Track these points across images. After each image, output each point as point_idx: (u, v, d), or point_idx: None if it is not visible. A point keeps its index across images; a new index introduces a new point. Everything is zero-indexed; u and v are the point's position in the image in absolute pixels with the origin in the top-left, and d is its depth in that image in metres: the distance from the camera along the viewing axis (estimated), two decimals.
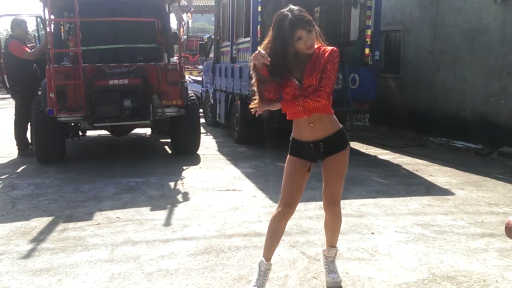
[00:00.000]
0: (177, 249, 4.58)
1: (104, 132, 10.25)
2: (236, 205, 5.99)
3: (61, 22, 8.90)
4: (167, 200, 6.24)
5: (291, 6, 3.36)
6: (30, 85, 8.78)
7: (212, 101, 12.92)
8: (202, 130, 10.24)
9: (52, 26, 8.11)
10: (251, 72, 3.45)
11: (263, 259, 3.61)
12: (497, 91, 9.49)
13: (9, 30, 9.50)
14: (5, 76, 9.10)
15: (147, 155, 9.20)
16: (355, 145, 10.02)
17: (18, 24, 9.03)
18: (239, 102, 10.05)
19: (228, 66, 10.70)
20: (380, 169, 8.08)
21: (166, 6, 9.12)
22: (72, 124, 8.48)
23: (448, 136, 10.47)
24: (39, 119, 8.00)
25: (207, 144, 10.32)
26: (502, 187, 6.90)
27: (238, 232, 5.06)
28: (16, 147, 9.21)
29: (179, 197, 6.38)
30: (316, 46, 3.40)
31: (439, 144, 10.37)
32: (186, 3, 16.97)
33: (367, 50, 9.31)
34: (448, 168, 8.10)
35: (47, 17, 7.86)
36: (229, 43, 10.89)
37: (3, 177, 7.50)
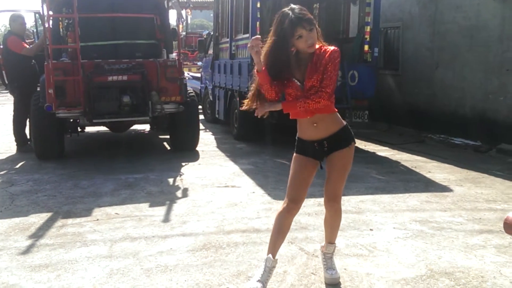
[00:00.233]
0: (176, 245, 4.59)
1: (103, 128, 10.24)
2: (235, 202, 5.99)
3: (60, 18, 8.89)
4: (166, 196, 6.25)
5: (292, 5, 3.37)
6: (28, 81, 8.77)
7: (211, 97, 12.91)
8: (201, 126, 10.25)
9: (51, 22, 8.09)
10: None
11: (270, 256, 3.62)
12: (496, 88, 9.49)
13: (7, 25, 9.47)
14: (3, 72, 9.08)
15: (146, 152, 9.20)
16: None
17: (16, 20, 9.01)
18: (238, 99, 10.05)
19: (227, 62, 10.69)
20: (378, 165, 8.09)
21: (165, 2, 9.10)
22: (71, 120, 8.48)
23: (447, 133, 10.48)
24: (37, 115, 7.99)
25: (206, 140, 10.32)
26: (500, 184, 6.91)
27: (237, 228, 5.06)
28: (15, 143, 9.21)
29: (178, 193, 6.39)
30: (317, 46, 3.41)
31: (437, 140, 10.38)
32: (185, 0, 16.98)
33: (366, 47, 9.30)
34: (446, 165, 8.12)
35: (45, 12, 7.85)
36: (228, 39, 10.87)
37: (2, 173, 7.51)
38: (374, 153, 9.29)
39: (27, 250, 4.48)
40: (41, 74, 8.20)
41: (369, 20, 9.27)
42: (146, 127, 11.23)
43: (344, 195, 5.55)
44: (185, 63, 17.05)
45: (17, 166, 7.98)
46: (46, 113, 7.70)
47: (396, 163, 8.35)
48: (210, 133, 11.56)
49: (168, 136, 9.58)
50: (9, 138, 9.83)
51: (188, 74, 15.94)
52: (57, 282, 3.84)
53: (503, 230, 2.75)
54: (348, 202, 5.83)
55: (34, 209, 5.70)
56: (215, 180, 7.04)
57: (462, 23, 10.20)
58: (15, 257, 4.32)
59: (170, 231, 4.99)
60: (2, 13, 9.76)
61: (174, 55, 9.20)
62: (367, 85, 9.17)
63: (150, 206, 5.84)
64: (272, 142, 9.61)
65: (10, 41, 8.81)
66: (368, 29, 9.25)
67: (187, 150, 8.97)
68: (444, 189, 6.67)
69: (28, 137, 9.04)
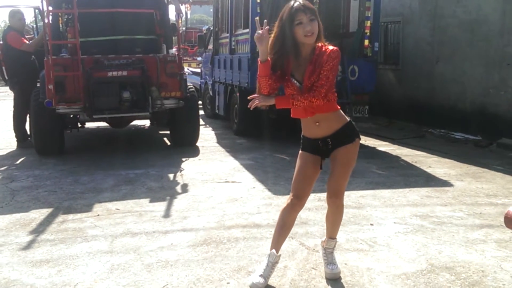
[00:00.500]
0: (176, 241, 4.59)
1: (103, 124, 10.23)
2: (235, 197, 6.00)
3: (59, 14, 8.86)
4: (166, 191, 6.25)
5: None
6: (28, 77, 8.76)
7: (211, 93, 12.90)
8: (201, 122, 10.25)
9: (50, 17, 8.07)
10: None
11: (274, 251, 3.64)
12: (497, 83, 9.48)
13: (7, 21, 9.46)
14: (3, 67, 9.08)
15: (146, 147, 9.20)
16: None
17: (15, 16, 8.99)
18: (238, 94, 10.04)
19: (227, 57, 10.68)
20: (379, 160, 8.09)
21: None
22: (71, 115, 8.47)
23: (447, 128, 10.48)
24: (37, 111, 7.99)
25: (206, 136, 10.32)
26: (500, 178, 6.91)
27: (237, 223, 5.07)
28: (15, 139, 9.21)
29: (179, 189, 6.39)
30: (319, 44, 3.41)
31: (438, 135, 10.38)
32: None
33: (366, 42, 9.29)
34: (447, 160, 8.11)
35: (45, 8, 7.82)
36: (228, 34, 10.85)
37: (2, 169, 7.50)
38: (374, 148, 9.29)
39: (28, 246, 4.48)
40: (41, 69, 8.19)
41: (369, 15, 9.25)
42: (146, 123, 11.23)
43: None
44: (185, 58, 17.03)
45: (18, 162, 7.98)
46: (46, 109, 7.70)
47: (397, 158, 8.35)
48: (210, 128, 11.56)
49: (168, 132, 9.58)
50: (9, 134, 9.83)
51: (188, 69, 15.92)
52: (58, 277, 3.85)
53: (503, 225, 2.76)
54: (349, 197, 5.83)
55: (34, 204, 5.70)
56: (215, 176, 7.04)
57: (462, 17, 10.18)
58: (16, 253, 4.33)
59: (170, 226, 4.99)
60: (1, 9, 9.73)
61: (174, 50, 9.19)
62: (367, 80, 9.16)
63: (151, 201, 5.84)
64: (272, 137, 9.62)
65: (9, 36, 8.80)
66: (368, 23, 9.24)
67: (187, 146, 8.97)
68: (444, 183, 6.67)
69: (28, 133, 9.04)
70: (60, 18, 9.00)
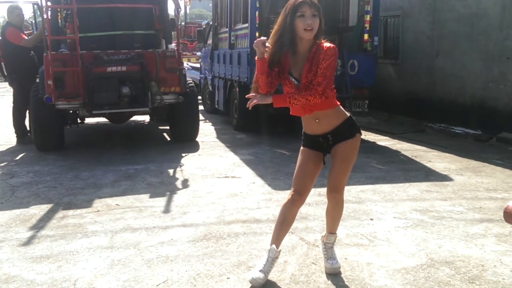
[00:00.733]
0: (176, 236, 4.59)
1: (102, 120, 10.23)
2: (235, 192, 6.00)
3: (58, 9, 8.85)
4: (166, 187, 6.25)
5: None
6: (27, 73, 8.75)
7: (210, 88, 12.89)
8: (201, 117, 10.23)
9: (49, 12, 8.06)
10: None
11: (274, 246, 3.64)
12: (496, 76, 9.47)
13: (6, 17, 9.44)
14: (2, 63, 9.07)
15: (145, 142, 9.20)
16: None
17: (13, 11, 8.97)
18: (237, 89, 10.03)
19: (227, 52, 10.66)
20: (379, 155, 8.09)
21: None
22: (71, 111, 8.46)
23: (447, 122, 10.47)
24: (37, 106, 7.98)
25: (206, 131, 10.31)
26: (500, 173, 6.92)
27: (237, 218, 5.07)
28: (15, 135, 9.21)
29: (178, 184, 6.39)
30: (317, 42, 3.42)
31: (438, 130, 10.37)
32: None
33: (366, 36, 9.27)
34: (446, 154, 8.11)
35: (44, 3, 7.81)
36: (227, 29, 10.83)
37: (2, 164, 7.50)
38: (374, 142, 9.29)
39: (28, 242, 4.49)
40: (40, 65, 8.18)
41: (369, 9, 9.23)
42: (146, 118, 11.21)
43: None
44: (184, 53, 17.02)
45: (17, 158, 7.98)
46: (46, 105, 7.69)
47: (396, 153, 8.35)
48: (210, 123, 11.55)
49: (168, 127, 9.57)
50: (9, 130, 9.83)
51: (187, 64, 15.90)
52: (58, 273, 3.85)
53: (503, 219, 2.75)
54: (349, 192, 5.83)
55: (34, 200, 5.70)
56: (215, 171, 7.04)
57: (462, 11, 10.16)
58: (16, 249, 4.33)
59: (170, 221, 5.00)
60: (0, 4, 9.74)
61: (173, 45, 9.17)
62: (367, 74, 9.15)
63: (151, 197, 5.84)
64: (272, 132, 9.62)
65: (8, 32, 8.78)
66: (368, 17, 9.22)
67: (187, 141, 8.97)
68: (444, 178, 6.67)
69: (28, 128, 9.04)
70: (59, 14, 8.97)
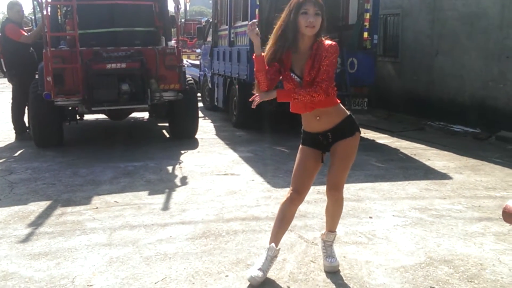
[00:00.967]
0: (175, 233, 4.59)
1: (101, 116, 10.22)
2: (234, 189, 5.99)
3: (58, 5, 8.84)
4: (165, 184, 6.25)
5: None
6: (27, 69, 8.73)
7: (210, 85, 12.88)
8: (200, 114, 10.23)
9: (49, 9, 8.04)
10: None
11: (273, 245, 3.65)
12: (496, 75, 9.47)
13: (5, 13, 9.43)
14: (1, 60, 9.06)
15: (145, 139, 9.19)
16: None
17: (13, 8, 8.96)
18: (237, 86, 10.03)
19: (226, 50, 10.65)
20: (378, 153, 8.08)
21: None
22: (70, 108, 8.45)
23: (446, 120, 10.47)
24: (36, 103, 7.97)
25: (205, 128, 10.30)
26: (499, 171, 6.92)
27: (236, 216, 5.07)
28: (14, 131, 9.20)
29: (177, 181, 6.39)
30: (318, 40, 3.43)
31: (437, 128, 10.37)
32: None
33: (365, 34, 9.26)
34: (446, 152, 8.11)
35: (43, 0, 7.80)
36: (227, 26, 10.82)
37: (1, 161, 7.50)
38: (373, 140, 9.29)
39: (26, 238, 4.48)
40: (40, 61, 8.17)
41: (368, 7, 9.23)
42: (145, 115, 11.21)
43: None
44: (184, 50, 16.99)
45: (16, 154, 7.97)
46: (45, 101, 7.68)
47: (396, 151, 8.35)
48: (209, 120, 11.54)
49: (167, 124, 9.57)
50: (7, 126, 9.81)
51: (187, 61, 15.89)
52: (57, 270, 3.85)
53: (502, 218, 2.75)
54: (348, 190, 5.82)
55: (33, 197, 5.70)
56: (214, 168, 7.03)
57: (462, 10, 10.16)
58: (15, 245, 4.33)
59: (169, 219, 4.99)
60: (0, 1, 9.74)
61: (173, 42, 9.16)
62: (367, 73, 9.15)
63: (150, 194, 5.84)
64: (272, 130, 9.61)
65: (8, 28, 8.77)
66: (367, 16, 9.21)
67: (186, 138, 8.97)
68: (443, 176, 6.67)
69: (27, 125, 9.03)
70: (59, 10, 8.97)
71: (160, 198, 5.66)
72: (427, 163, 7.41)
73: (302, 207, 5.16)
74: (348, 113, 3.63)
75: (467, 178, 6.55)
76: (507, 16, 9.13)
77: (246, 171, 6.89)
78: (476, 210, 5.27)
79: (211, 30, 12.80)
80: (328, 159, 3.70)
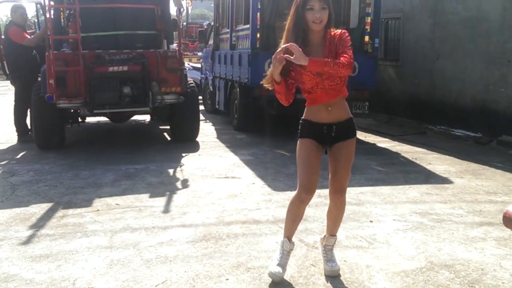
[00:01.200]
0: (176, 236, 4.60)
1: (103, 119, 10.24)
2: (235, 193, 6.00)
3: (61, 8, 8.86)
4: (166, 187, 6.25)
5: None
6: (29, 72, 8.76)
7: (211, 88, 12.90)
8: (201, 117, 10.23)
9: (52, 12, 8.07)
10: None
11: (286, 239, 3.73)
12: (497, 79, 9.47)
13: (9, 16, 9.46)
14: (4, 62, 9.08)
15: (146, 142, 9.21)
16: None
17: (17, 11, 8.99)
18: (238, 89, 10.04)
19: (228, 53, 10.67)
20: (379, 157, 8.09)
21: None
22: (72, 110, 8.47)
23: (447, 124, 10.48)
24: (38, 105, 7.99)
25: (206, 131, 10.32)
26: (501, 176, 6.92)
27: (237, 219, 5.07)
28: (16, 133, 9.22)
29: (178, 184, 6.40)
30: (328, 31, 3.49)
31: (438, 132, 10.37)
32: None
33: (366, 38, 9.28)
34: (447, 157, 8.11)
35: (46, 3, 7.82)
36: (228, 30, 10.85)
37: (3, 163, 7.51)
38: (374, 144, 9.29)
39: (27, 241, 4.49)
40: (42, 64, 8.19)
41: (369, 11, 9.24)
42: (147, 118, 11.22)
43: None
44: (185, 53, 17.03)
45: (18, 156, 7.99)
46: (47, 104, 7.71)
47: (396, 155, 8.35)
48: (210, 123, 11.55)
49: (168, 127, 9.58)
50: (10, 128, 9.83)
51: (189, 64, 15.91)
52: (58, 272, 3.86)
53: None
54: (348, 194, 5.75)
55: (35, 199, 5.71)
56: (215, 171, 7.04)
57: (463, 14, 10.17)
58: (16, 247, 4.34)
59: (170, 222, 5.00)
60: (3, 4, 9.76)
61: (174, 45, 9.18)
62: (368, 76, 9.15)
63: (150, 196, 5.84)
64: (272, 133, 9.62)
65: (11, 31, 8.80)
66: (368, 20, 9.23)
67: (187, 141, 8.98)
68: (444, 181, 6.67)
69: (29, 127, 9.05)
70: (61, 13, 8.99)
71: (161, 201, 5.67)
72: (428, 167, 7.42)
73: None
74: (351, 115, 3.68)
75: (468, 183, 6.55)
76: (508, 20, 9.14)
77: (246, 174, 6.90)
78: (477, 215, 5.27)
79: (212, 33, 12.83)
80: (326, 162, 3.71)
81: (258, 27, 9.05)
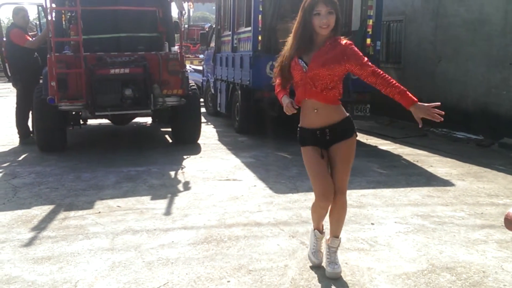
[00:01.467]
0: (177, 238, 4.60)
1: (105, 121, 10.25)
2: (236, 195, 6.00)
3: (63, 11, 8.88)
4: (167, 189, 6.26)
5: None
6: (31, 74, 8.77)
7: (212, 90, 12.90)
8: (203, 119, 10.24)
9: (54, 14, 8.09)
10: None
11: (317, 230, 3.94)
12: (499, 82, 9.47)
13: (11, 18, 9.48)
14: (6, 64, 9.10)
15: (147, 144, 9.21)
16: None
17: (18, 13, 9.01)
18: (240, 92, 10.05)
19: (229, 55, 10.68)
20: (380, 159, 8.08)
21: None
22: (73, 112, 8.49)
23: (449, 127, 10.45)
24: (40, 107, 8.01)
25: (208, 133, 10.32)
26: (502, 179, 6.91)
27: (238, 221, 5.07)
28: (17, 136, 9.23)
29: (180, 187, 6.40)
30: (333, 36, 3.52)
31: (440, 134, 10.36)
32: None
33: (368, 40, 9.29)
34: (448, 159, 8.11)
35: (48, 5, 7.84)
36: (230, 32, 10.86)
37: (5, 165, 7.52)
38: (375, 146, 9.29)
39: (29, 243, 4.49)
40: (44, 66, 8.20)
41: (371, 14, 9.26)
42: (148, 120, 11.23)
43: None
44: (187, 56, 17.04)
45: (20, 159, 8.00)
46: (49, 106, 7.72)
47: (398, 157, 8.35)
48: (212, 126, 11.56)
49: (170, 129, 9.59)
50: (11, 130, 9.85)
51: (190, 67, 15.93)
52: (60, 274, 3.86)
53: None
54: (349, 196, 5.79)
55: (36, 201, 5.71)
56: (217, 173, 7.04)
57: (465, 16, 10.17)
58: (18, 249, 4.34)
59: (171, 224, 5.00)
60: (5, 6, 9.77)
61: (176, 48, 9.20)
62: None
63: (152, 199, 5.85)
64: (274, 135, 9.62)
65: (13, 33, 8.81)
66: (370, 22, 9.24)
67: (188, 143, 8.98)
68: (446, 183, 6.67)
69: (31, 129, 9.06)
70: (63, 16, 9.02)
71: (162, 203, 5.67)
72: (430, 169, 7.41)
73: (304, 213, 5.18)
74: (347, 114, 3.69)
75: (469, 185, 6.55)
76: (510, 23, 9.14)
77: (248, 176, 6.90)
78: (479, 217, 5.27)
79: (214, 35, 12.84)
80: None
81: (259, 29, 9.07)
